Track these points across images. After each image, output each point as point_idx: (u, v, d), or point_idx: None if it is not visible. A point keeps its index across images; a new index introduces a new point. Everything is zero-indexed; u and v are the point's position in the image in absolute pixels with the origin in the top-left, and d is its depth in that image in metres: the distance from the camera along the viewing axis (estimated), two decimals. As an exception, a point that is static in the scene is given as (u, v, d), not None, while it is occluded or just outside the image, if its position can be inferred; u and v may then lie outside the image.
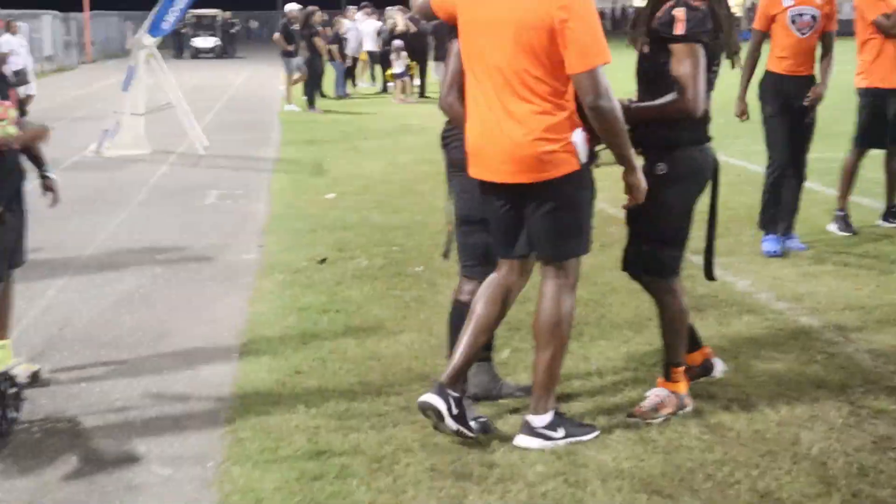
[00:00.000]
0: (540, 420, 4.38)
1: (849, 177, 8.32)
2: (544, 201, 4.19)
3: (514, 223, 4.32)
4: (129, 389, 5.50)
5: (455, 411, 4.35)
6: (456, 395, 4.40)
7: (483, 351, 4.76)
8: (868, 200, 9.34)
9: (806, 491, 4.09)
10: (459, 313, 4.67)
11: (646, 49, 4.60)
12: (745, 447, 4.47)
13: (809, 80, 7.70)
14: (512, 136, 4.11)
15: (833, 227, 8.34)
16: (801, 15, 7.52)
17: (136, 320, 6.73)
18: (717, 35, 4.50)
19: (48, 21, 35.20)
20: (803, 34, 7.54)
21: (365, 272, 7.57)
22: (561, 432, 4.36)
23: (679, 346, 4.75)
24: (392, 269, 7.63)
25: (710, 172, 4.69)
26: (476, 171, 4.33)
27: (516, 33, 4.04)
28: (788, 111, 7.65)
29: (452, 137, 4.59)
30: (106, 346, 6.21)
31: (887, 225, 8.58)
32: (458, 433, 4.40)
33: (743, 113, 8.14)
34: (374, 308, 6.71)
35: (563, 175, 4.10)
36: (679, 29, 4.34)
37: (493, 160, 4.19)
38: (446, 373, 4.46)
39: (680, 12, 4.34)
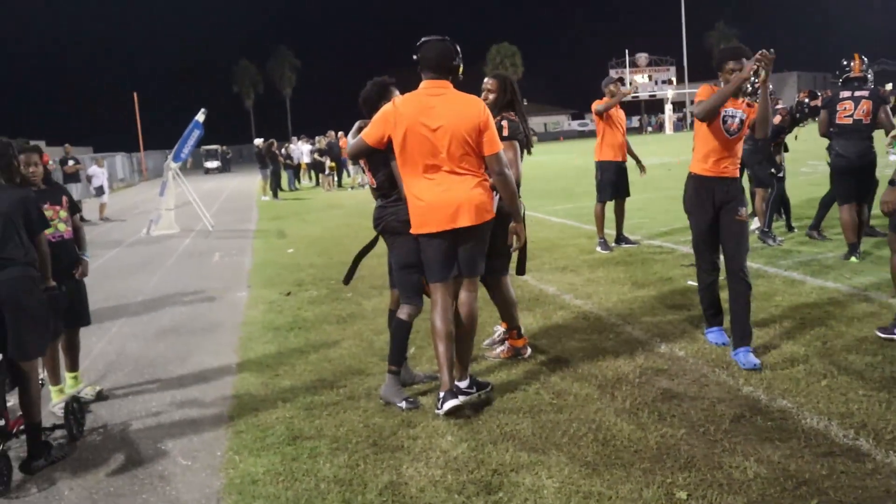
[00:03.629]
0: (463, 384, 4.54)
1: (600, 219, 9.61)
2: (473, 238, 4.35)
3: (451, 256, 4.40)
4: (162, 399, 5.13)
5: (473, 390, 4.65)
6: (460, 385, 4.58)
7: (404, 354, 4.73)
8: (609, 231, 10.08)
9: (632, 437, 3.95)
10: (396, 322, 4.70)
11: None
12: (583, 407, 4.42)
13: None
14: (460, 194, 4.26)
15: (598, 248, 9.50)
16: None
17: (168, 346, 6.48)
18: (525, 136, 4.93)
19: (120, 157, 44.42)
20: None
21: (315, 299, 7.84)
22: (475, 389, 4.57)
23: (507, 318, 5.27)
24: (332, 296, 7.89)
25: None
26: (429, 226, 4.35)
27: (455, 133, 4.25)
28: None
29: (387, 215, 4.67)
30: (148, 367, 5.90)
31: (624, 245, 9.74)
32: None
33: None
34: (323, 324, 6.73)
35: (487, 220, 4.33)
36: (504, 132, 4.89)
37: (445, 213, 4.28)
38: (446, 382, 4.44)
39: (505, 122, 4.96)
